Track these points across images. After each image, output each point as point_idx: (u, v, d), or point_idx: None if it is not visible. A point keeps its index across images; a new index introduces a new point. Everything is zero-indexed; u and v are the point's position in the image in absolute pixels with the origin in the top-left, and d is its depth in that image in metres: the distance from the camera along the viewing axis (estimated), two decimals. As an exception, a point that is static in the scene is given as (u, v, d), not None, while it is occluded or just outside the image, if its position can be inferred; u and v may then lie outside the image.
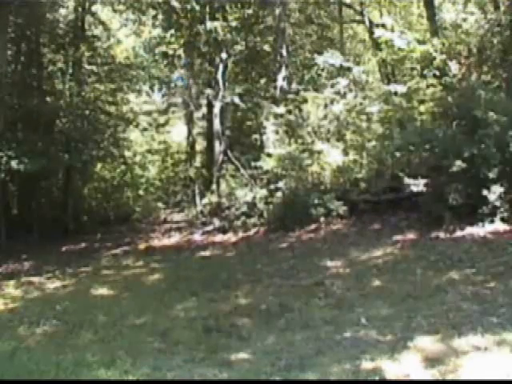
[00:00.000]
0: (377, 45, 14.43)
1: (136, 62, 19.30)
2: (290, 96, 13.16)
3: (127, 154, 18.87)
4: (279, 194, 11.98)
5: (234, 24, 15.05)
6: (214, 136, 15.63)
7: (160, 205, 19.91)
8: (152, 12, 16.76)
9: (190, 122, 18.77)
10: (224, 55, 15.44)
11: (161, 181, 21.46)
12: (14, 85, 15.63)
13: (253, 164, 13.07)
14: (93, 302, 7.84)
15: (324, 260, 8.76)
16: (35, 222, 15.30)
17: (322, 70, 13.95)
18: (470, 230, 8.81)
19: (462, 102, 9.89)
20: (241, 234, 12.12)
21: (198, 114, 18.55)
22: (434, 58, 11.49)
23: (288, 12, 15.96)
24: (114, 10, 17.78)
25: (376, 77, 17.27)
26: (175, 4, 15.48)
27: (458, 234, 8.85)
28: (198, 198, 16.03)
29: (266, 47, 16.80)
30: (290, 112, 12.77)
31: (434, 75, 11.39)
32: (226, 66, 15.71)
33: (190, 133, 18.84)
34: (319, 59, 13.10)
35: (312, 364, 4.66)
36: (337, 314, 6.09)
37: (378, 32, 12.52)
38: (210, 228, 13.36)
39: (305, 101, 12.61)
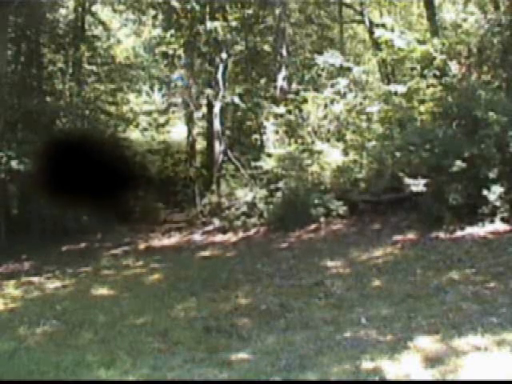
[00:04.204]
0: (377, 45, 14.40)
1: (136, 62, 19.31)
2: (290, 96, 13.15)
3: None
4: (279, 194, 11.97)
5: (234, 24, 15.01)
6: (214, 136, 15.61)
7: (160, 205, 19.87)
8: (152, 12, 16.74)
9: (190, 122, 18.74)
10: (224, 55, 15.42)
11: (161, 181, 21.41)
12: (14, 85, 15.58)
13: (253, 164, 13.07)
14: (93, 302, 7.83)
15: (324, 260, 8.76)
16: (35, 222, 15.28)
17: (322, 69, 13.94)
18: (470, 230, 8.82)
19: (462, 102, 9.89)
20: (241, 234, 12.11)
21: (198, 114, 18.49)
22: (434, 58, 11.46)
23: (288, 12, 15.92)
24: (114, 10, 17.78)
25: (376, 77, 17.23)
26: (175, 4, 15.44)
27: (458, 234, 8.86)
28: (198, 198, 16.00)
29: (266, 47, 16.77)
30: (289, 112, 12.77)
31: (434, 75, 11.37)
32: (226, 66, 15.69)
33: (190, 133, 18.80)
34: (319, 59, 13.08)
35: (312, 364, 4.66)
36: (337, 314, 6.09)
37: (378, 32, 12.48)
38: (210, 228, 13.34)
39: (305, 101, 12.61)
